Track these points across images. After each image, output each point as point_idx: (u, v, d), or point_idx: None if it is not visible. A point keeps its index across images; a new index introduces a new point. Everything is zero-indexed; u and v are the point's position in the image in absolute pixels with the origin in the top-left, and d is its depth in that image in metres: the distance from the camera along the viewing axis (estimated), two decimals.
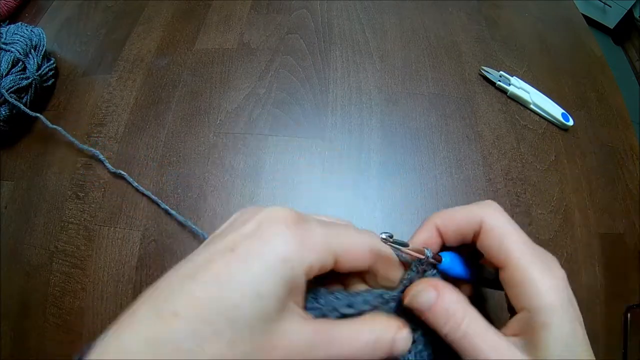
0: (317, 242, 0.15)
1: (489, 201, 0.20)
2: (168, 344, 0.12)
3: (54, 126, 0.40)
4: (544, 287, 0.16)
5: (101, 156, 0.39)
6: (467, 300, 0.18)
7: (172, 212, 0.35)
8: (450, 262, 0.20)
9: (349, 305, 0.18)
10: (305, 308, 0.17)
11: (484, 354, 0.16)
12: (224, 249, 0.14)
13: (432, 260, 0.19)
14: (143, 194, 0.37)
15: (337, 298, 0.18)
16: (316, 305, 0.18)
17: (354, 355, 0.15)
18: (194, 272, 0.14)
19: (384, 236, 0.17)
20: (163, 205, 0.35)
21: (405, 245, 0.18)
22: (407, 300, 0.18)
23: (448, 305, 0.17)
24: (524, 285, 0.17)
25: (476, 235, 0.19)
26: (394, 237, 0.18)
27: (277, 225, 0.15)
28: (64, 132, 0.40)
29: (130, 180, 0.37)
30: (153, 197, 0.36)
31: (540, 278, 0.16)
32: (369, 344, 0.16)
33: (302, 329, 0.15)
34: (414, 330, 0.19)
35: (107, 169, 0.38)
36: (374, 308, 0.18)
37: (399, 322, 0.18)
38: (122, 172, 0.38)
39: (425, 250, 0.19)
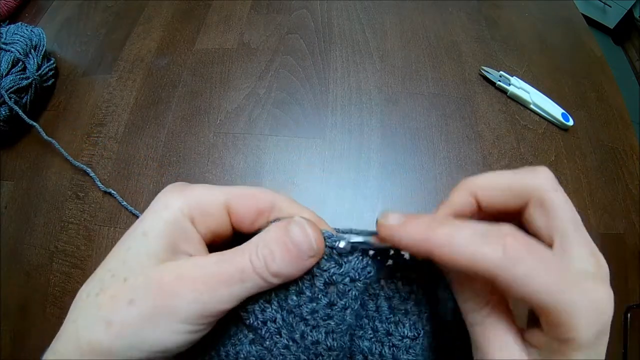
0: (196, 193, 0.16)
1: (542, 168, 0.16)
2: (81, 295, 0.16)
3: (49, 139, 0.40)
4: (586, 321, 0.13)
5: (92, 174, 0.39)
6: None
7: None
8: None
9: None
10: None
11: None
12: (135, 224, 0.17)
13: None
14: (142, 194, 0.37)
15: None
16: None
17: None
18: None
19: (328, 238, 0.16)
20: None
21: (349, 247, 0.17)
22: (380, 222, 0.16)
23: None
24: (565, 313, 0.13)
25: (523, 208, 0.16)
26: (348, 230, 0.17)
27: (167, 190, 0.17)
28: (57, 146, 0.40)
29: (119, 198, 0.37)
30: (139, 214, 0.36)
31: (586, 306, 0.13)
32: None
33: (187, 262, 0.15)
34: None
35: (98, 186, 0.38)
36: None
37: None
38: (112, 191, 0.38)
39: (366, 263, 0.17)
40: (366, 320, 0.19)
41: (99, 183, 0.38)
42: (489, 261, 0.13)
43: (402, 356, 0.18)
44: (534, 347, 0.14)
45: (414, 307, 0.19)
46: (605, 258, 0.15)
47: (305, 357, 0.17)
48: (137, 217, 0.35)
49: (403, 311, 0.19)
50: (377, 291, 0.19)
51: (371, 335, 0.19)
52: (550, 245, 0.15)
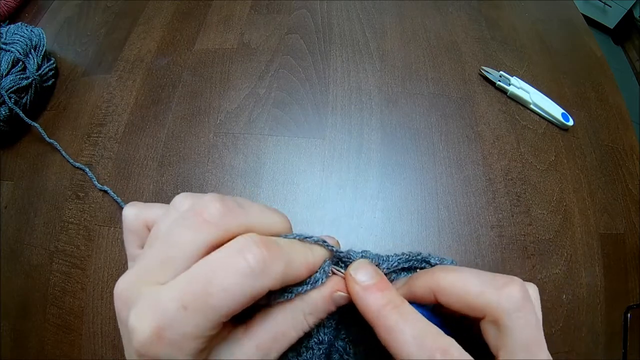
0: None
1: (513, 283, 0.15)
2: None
3: (51, 140, 0.41)
4: None
5: (89, 172, 0.39)
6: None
7: None
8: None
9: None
10: None
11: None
12: None
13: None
14: (142, 194, 0.37)
15: None
16: None
17: None
18: None
19: (330, 267, 0.17)
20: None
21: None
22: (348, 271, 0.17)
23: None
24: None
25: (478, 319, 0.16)
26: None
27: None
28: (58, 148, 0.40)
29: (115, 197, 0.37)
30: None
31: None
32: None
33: None
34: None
35: (95, 185, 0.38)
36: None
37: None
38: (107, 188, 0.38)
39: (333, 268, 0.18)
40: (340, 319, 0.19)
41: (95, 182, 0.38)
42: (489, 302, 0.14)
43: (375, 352, 0.18)
44: None
45: None
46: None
47: (295, 352, 0.18)
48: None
49: None
50: None
51: (344, 336, 0.19)
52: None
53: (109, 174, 0.39)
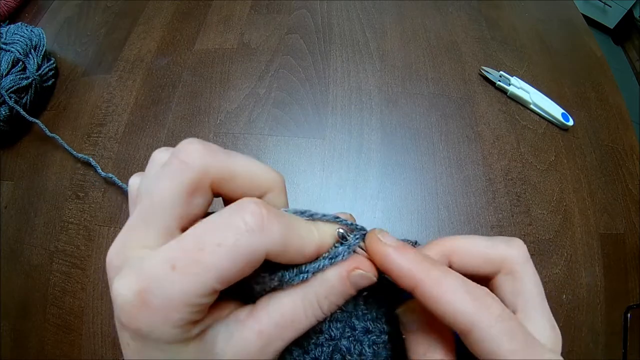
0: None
1: (516, 240, 0.17)
2: None
3: (53, 135, 0.41)
4: None
5: (93, 162, 0.39)
6: (451, 337, 0.16)
7: None
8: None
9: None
10: None
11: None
12: None
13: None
14: None
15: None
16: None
17: None
18: None
19: (341, 231, 0.16)
20: None
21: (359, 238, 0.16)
22: (399, 310, 0.17)
23: (434, 341, 0.15)
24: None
25: (492, 275, 0.17)
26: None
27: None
28: (61, 141, 0.40)
29: (120, 183, 0.37)
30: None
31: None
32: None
33: None
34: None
35: (99, 174, 0.38)
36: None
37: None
38: (112, 175, 0.37)
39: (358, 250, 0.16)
40: (343, 317, 0.18)
41: (99, 170, 0.38)
42: (469, 317, 0.13)
43: (381, 352, 0.18)
44: None
45: (387, 299, 0.18)
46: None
47: (302, 350, 0.17)
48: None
49: (379, 305, 0.18)
50: None
51: (349, 334, 0.18)
52: (513, 311, 0.16)
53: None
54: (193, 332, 0.12)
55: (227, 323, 0.13)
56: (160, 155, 0.15)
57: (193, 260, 0.11)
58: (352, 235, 0.16)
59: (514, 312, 0.16)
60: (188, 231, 0.12)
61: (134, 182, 0.16)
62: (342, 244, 0.16)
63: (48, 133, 0.41)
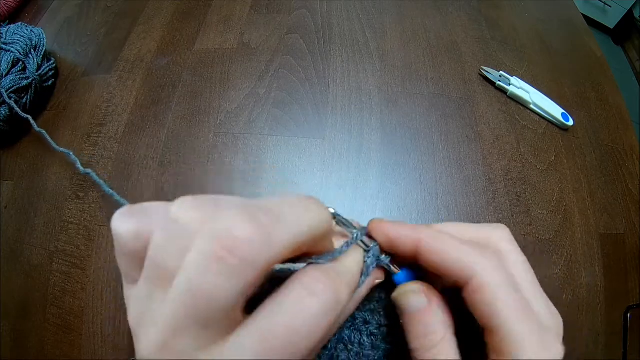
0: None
1: (500, 225, 0.18)
2: None
3: (40, 130, 0.40)
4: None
5: (73, 156, 0.38)
6: (450, 320, 0.16)
7: None
8: (404, 279, 0.18)
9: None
10: None
11: None
12: None
13: (389, 267, 0.18)
14: (142, 194, 0.37)
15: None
16: None
17: None
18: None
19: (332, 210, 0.16)
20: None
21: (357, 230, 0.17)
22: (395, 294, 0.17)
23: (433, 320, 0.15)
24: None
25: (461, 283, 0.16)
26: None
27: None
28: (46, 136, 0.40)
29: (98, 179, 0.36)
30: (121, 200, 0.34)
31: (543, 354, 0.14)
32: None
33: None
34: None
35: (78, 169, 0.37)
36: None
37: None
38: (90, 171, 0.36)
39: (382, 258, 0.17)
40: None
41: (79, 165, 0.37)
42: (471, 264, 0.15)
43: (380, 344, 0.18)
44: None
45: (387, 294, 0.19)
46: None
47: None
48: (115, 199, 0.34)
49: (377, 298, 0.19)
50: None
51: (350, 324, 0.19)
52: (489, 326, 0.16)
53: (108, 174, 0.39)
54: None
55: None
56: (186, 216, 0.12)
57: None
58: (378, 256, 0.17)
59: (487, 331, 0.16)
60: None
61: (125, 231, 0.13)
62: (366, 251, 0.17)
63: (36, 128, 0.40)
